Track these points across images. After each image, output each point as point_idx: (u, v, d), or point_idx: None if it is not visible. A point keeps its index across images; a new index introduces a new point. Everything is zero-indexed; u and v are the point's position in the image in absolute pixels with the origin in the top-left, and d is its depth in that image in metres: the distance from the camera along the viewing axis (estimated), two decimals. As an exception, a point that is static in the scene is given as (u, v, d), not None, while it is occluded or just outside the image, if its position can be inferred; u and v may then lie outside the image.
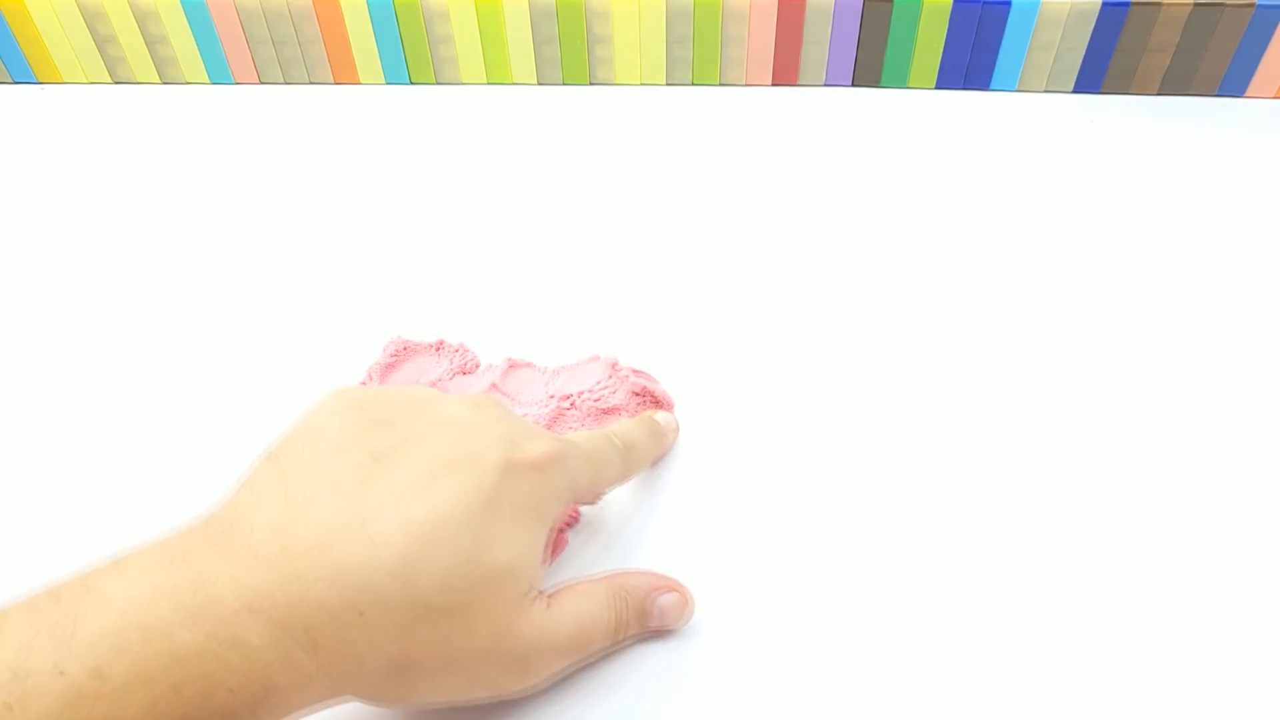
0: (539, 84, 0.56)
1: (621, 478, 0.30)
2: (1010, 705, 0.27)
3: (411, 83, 0.56)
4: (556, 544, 0.32)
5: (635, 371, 0.36)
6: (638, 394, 0.35)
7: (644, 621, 0.28)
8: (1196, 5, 0.49)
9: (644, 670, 0.28)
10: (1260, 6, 0.49)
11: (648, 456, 0.32)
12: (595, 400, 0.35)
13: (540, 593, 0.26)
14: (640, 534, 0.32)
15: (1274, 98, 0.52)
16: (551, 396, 0.35)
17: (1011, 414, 0.36)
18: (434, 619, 0.22)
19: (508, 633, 0.24)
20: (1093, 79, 0.53)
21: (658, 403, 0.36)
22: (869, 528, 0.32)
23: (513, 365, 0.37)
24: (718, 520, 0.32)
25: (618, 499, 0.33)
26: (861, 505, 0.33)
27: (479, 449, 0.25)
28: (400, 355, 0.38)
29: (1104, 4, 0.49)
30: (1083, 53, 0.52)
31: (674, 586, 0.29)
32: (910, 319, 0.40)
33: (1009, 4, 0.50)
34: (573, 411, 0.35)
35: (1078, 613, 0.30)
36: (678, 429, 0.35)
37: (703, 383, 0.37)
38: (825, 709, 0.28)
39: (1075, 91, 0.53)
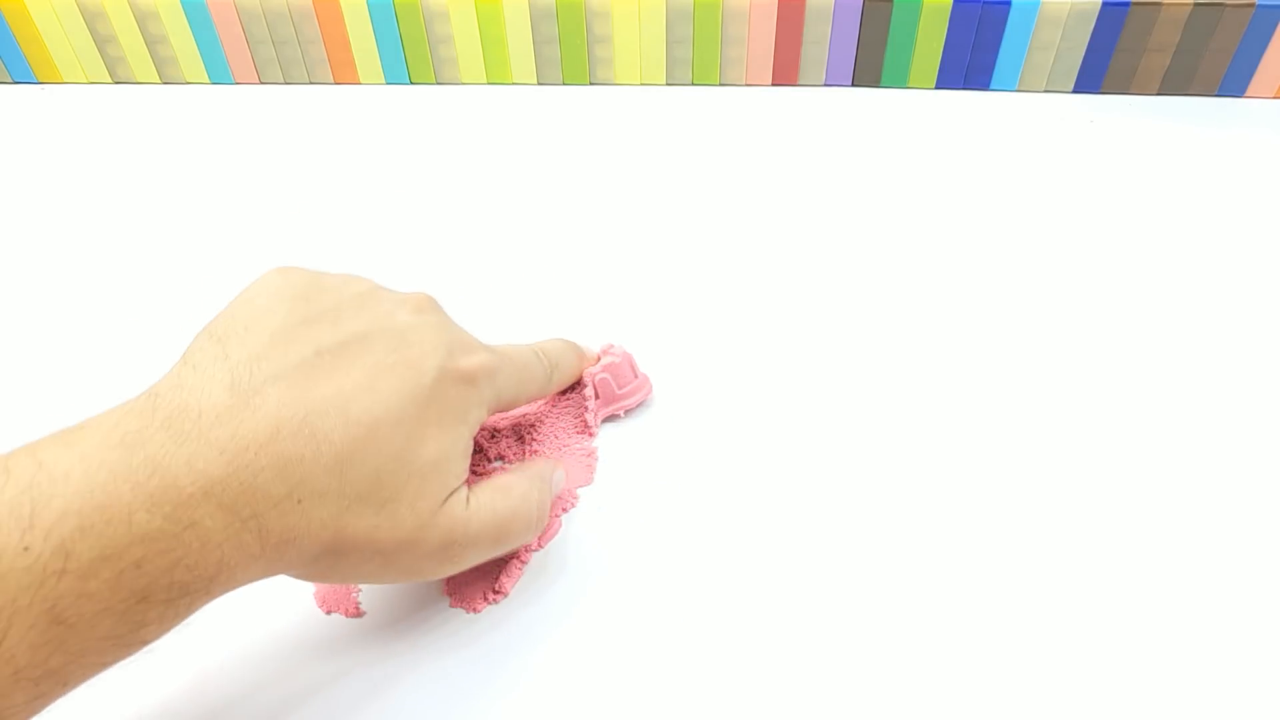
0: (539, 84, 0.56)
1: (542, 391, 0.32)
2: (995, 705, 0.28)
3: (411, 83, 0.57)
4: (550, 528, 0.32)
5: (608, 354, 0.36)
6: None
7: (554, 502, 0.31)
8: (1196, 5, 0.49)
9: (645, 672, 0.29)
10: (1260, 6, 0.49)
11: (570, 374, 0.34)
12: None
13: (463, 487, 0.27)
14: (637, 526, 0.32)
15: (1274, 98, 0.52)
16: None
17: (1011, 413, 0.36)
18: (362, 510, 0.24)
19: (429, 524, 0.26)
20: (1093, 79, 0.53)
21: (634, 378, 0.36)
22: (869, 531, 0.32)
23: (513, 364, 0.37)
24: (715, 517, 0.32)
25: (613, 490, 0.33)
26: (861, 508, 0.33)
27: (417, 355, 0.26)
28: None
29: (1104, 4, 0.49)
30: (1083, 53, 0.52)
31: (558, 464, 0.32)
32: (910, 319, 0.40)
33: (1009, 4, 0.50)
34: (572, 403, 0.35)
35: (1068, 611, 0.30)
36: (595, 354, 0.36)
37: (703, 381, 0.37)
38: (823, 706, 0.28)
39: (1075, 91, 0.54)
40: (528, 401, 0.32)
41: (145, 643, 0.22)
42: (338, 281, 0.28)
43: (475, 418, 0.28)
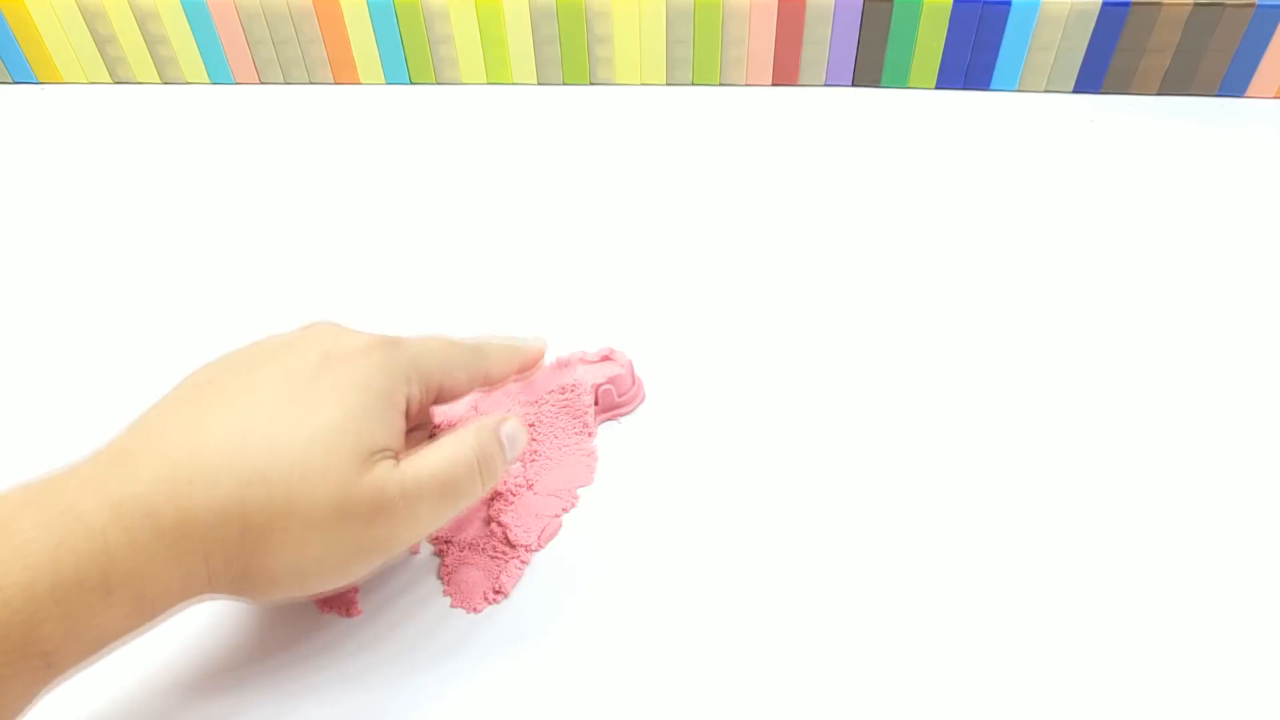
0: (539, 84, 0.56)
1: (479, 371, 0.31)
2: (988, 702, 0.28)
3: (411, 83, 0.57)
4: (549, 528, 0.32)
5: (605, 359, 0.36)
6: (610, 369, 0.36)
7: (504, 453, 0.30)
8: (1196, 5, 0.49)
9: (645, 671, 0.29)
10: (1260, 6, 0.49)
11: (504, 362, 0.32)
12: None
13: (390, 451, 0.27)
14: (636, 525, 0.32)
15: (1274, 98, 0.52)
16: (553, 390, 0.35)
17: (1011, 414, 0.36)
18: (268, 481, 0.25)
19: (354, 485, 0.26)
20: (1093, 79, 0.53)
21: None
22: (864, 530, 0.32)
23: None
24: (714, 517, 0.32)
25: (613, 490, 0.33)
26: (858, 507, 0.33)
27: (301, 349, 0.28)
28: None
29: (1104, 4, 0.49)
30: (1083, 53, 0.52)
31: (509, 417, 0.31)
32: (910, 319, 0.40)
33: (1009, 4, 0.50)
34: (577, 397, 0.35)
35: (1064, 608, 0.30)
36: (544, 345, 0.34)
37: (702, 382, 0.37)
38: (820, 704, 0.28)
39: (1075, 91, 0.54)
40: (470, 382, 0.31)
41: (46, 654, 0.22)
42: (249, 345, 0.29)
43: (383, 385, 0.27)
